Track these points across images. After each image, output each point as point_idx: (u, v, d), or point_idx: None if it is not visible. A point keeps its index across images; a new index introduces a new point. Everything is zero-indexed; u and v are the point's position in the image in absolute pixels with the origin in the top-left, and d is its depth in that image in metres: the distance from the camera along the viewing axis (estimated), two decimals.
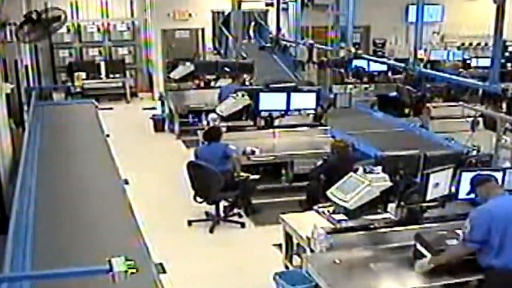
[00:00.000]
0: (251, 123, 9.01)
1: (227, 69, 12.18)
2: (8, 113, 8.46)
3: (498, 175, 5.10)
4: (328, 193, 5.32)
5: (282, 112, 8.84)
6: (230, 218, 7.35)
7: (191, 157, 8.54)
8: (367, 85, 12.55)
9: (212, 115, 8.83)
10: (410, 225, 5.09)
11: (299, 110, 8.87)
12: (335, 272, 4.54)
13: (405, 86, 11.31)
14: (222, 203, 7.36)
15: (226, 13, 15.27)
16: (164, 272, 5.86)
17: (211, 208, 7.32)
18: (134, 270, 2.94)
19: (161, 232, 6.66)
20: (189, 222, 7.15)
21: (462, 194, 5.14)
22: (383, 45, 17.37)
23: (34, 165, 6.46)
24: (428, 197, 5.07)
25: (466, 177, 5.09)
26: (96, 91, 14.57)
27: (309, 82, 12.28)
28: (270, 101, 8.75)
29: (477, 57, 15.55)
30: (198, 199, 7.16)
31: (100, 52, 15.71)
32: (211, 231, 7.08)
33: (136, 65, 16.11)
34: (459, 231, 4.52)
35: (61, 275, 3.30)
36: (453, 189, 5.22)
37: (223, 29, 15.38)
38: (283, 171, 8.22)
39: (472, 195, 4.71)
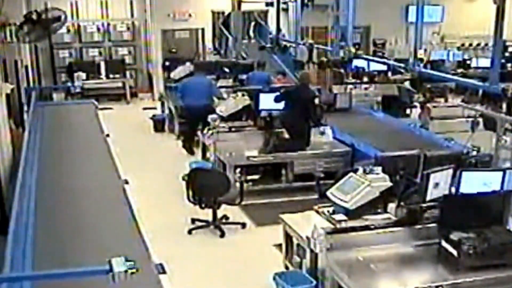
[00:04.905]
0: (251, 123, 9.01)
1: (226, 69, 12.20)
2: (8, 113, 8.46)
3: (498, 175, 5.10)
4: (328, 193, 5.33)
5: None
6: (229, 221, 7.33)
7: (191, 158, 8.54)
8: (367, 85, 12.55)
9: (212, 116, 8.83)
10: (410, 225, 5.10)
11: None
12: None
13: (405, 86, 11.31)
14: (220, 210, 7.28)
15: (226, 13, 15.27)
16: (164, 272, 5.84)
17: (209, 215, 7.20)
18: (134, 270, 2.94)
19: (162, 232, 6.62)
20: (189, 231, 7.03)
21: None
22: (383, 45, 17.39)
23: (34, 165, 6.43)
24: (428, 197, 5.07)
25: (466, 177, 5.09)
26: (96, 91, 14.56)
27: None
28: (270, 101, 8.75)
29: (477, 57, 15.57)
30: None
31: (100, 52, 15.71)
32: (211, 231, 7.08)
33: (136, 65, 16.11)
34: None
35: (61, 276, 3.29)
36: (453, 189, 5.22)
37: (223, 29, 15.38)
38: (283, 171, 8.22)
39: None
